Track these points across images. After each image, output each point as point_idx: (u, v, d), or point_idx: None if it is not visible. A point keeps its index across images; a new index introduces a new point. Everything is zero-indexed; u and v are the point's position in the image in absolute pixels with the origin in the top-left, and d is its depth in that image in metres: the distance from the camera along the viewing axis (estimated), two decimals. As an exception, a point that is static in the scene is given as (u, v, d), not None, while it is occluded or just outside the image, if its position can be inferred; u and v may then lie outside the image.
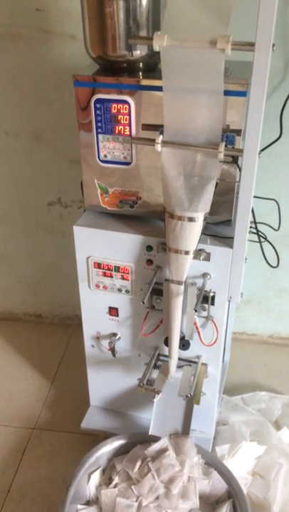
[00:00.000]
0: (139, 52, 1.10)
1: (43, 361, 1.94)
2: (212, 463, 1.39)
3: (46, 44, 1.50)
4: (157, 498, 1.32)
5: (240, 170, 1.07)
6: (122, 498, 1.33)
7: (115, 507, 1.32)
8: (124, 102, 1.10)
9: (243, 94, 1.03)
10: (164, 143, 1.07)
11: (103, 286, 1.33)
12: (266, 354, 1.96)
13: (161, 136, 1.07)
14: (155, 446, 1.39)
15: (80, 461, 1.39)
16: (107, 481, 1.41)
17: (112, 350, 1.41)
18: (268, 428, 1.58)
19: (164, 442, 1.39)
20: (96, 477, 1.41)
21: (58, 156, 1.70)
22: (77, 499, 1.34)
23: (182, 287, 1.18)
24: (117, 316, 1.38)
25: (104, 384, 1.56)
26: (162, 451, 1.37)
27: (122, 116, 1.12)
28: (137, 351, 1.43)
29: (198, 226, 1.11)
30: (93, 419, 1.59)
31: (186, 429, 1.41)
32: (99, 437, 1.58)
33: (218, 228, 1.21)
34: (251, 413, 1.64)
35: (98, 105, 1.12)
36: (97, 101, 1.12)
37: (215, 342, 1.29)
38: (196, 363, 1.37)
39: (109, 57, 1.11)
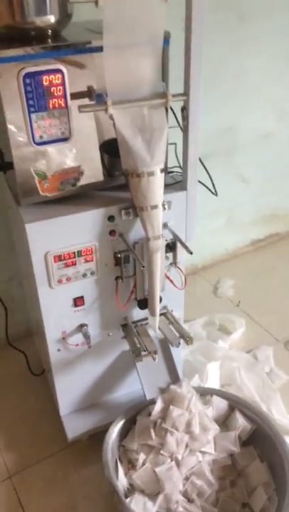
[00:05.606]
0: (50, 17, 1.02)
1: None
2: (206, 391, 1.50)
3: None
4: (187, 446, 1.38)
5: (187, 114, 1.13)
6: (159, 467, 1.33)
7: (159, 478, 1.32)
8: (57, 71, 1.02)
9: (166, 42, 1.09)
10: (113, 104, 1.05)
11: (66, 279, 1.23)
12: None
13: (110, 99, 1.04)
14: (157, 408, 1.41)
15: (103, 464, 1.31)
16: (129, 466, 1.38)
17: (88, 339, 1.34)
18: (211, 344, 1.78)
19: (162, 400, 1.42)
20: (120, 468, 1.36)
21: None
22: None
23: (161, 241, 1.20)
24: (83, 304, 1.30)
25: (73, 386, 1.46)
26: (166, 408, 1.41)
27: (55, 88, 1.03)
28: (106, 331, 1.39)
29: (162, 178, 1.15)
30: (75, 425, 1.49)
31: (175, 377, 1.47)
32: (82, 441, 1.50)
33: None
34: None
35: (28, 80, 1.00)
36: (27, 75, 1.00)
37: (185, 284, 1.37)
38: (164, 314, 1.42)
39: (17, 25, 0.99)
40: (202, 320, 1.94)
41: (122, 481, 1.34)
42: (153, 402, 1.42)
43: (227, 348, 1.81)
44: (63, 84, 1.04)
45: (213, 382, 1.65)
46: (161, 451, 1.35)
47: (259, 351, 1.80)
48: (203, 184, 1.30)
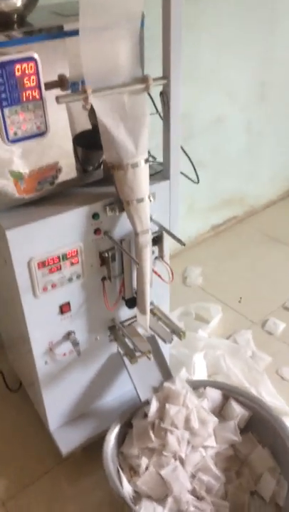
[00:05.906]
0: (16, 1, 0.92)
1: None
2: (197, 383, 1.47)
3: None
4: (188, 443, 1.34)
5: (167, 99, 1.07)
6: (164, 469, 1.29)
7: (165, 480, 1.28)
8: (30, 59, 0.92)
9: (141, 24, 1.02)
10: (93, 92, 0.97)
11: (51, 285, 1.14)
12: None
13: (90, 87, 0.96)
14: (153, 408, 1.36)
15: (106, 475, 1.24)
16: (131, 472, 1.32)
17: (77, 346, 1.25)
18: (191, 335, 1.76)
19: (156, 400, 1.37)
20: (123, 477, 1.30)
21: None
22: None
23: (149, 234, 1.14)
24: (70, 310, 1.22)
25: (62, 398, 1.37)
26: (162, 407, 1.37)
27: (28, 78, 0.94)
28: (94, 336, 1.32)
29: (147, 168, 1.08)
30: (67, 439, 1.40)
31: (166, 374, 1.43)
32: (76, 454, 1.42)
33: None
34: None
35: (0, 71, 0.90)
36: (-2, 65, 0.89)
37: (173, 277, 1.32)
38: (151, 310, 1.37)
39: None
40: (177, 311, 1.91)
41: (126, 490, 1.28)
42: (146, 403, 1.37)
43: (206, 336, 1.79)
44: (37, 73, 0.94)
45: (200, 373, 1.62)
46: (164, 452, 1.31)
47: (238, 336, 1.80)
48: (183, 174, 1.25)
